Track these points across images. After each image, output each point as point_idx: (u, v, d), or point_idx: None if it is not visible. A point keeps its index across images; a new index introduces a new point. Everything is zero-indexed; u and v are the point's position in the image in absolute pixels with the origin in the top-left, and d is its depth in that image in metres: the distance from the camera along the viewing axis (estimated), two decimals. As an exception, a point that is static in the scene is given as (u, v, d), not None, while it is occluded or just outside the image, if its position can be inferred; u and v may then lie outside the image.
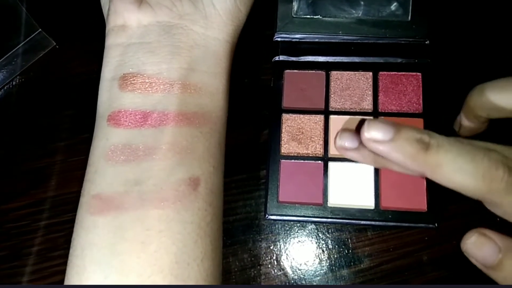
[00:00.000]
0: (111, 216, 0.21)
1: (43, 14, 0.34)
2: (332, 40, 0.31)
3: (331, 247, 0.29)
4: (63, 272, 0.29)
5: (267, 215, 0.29)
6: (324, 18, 0.31)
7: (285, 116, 0.31)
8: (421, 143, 0.19)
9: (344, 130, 0.21)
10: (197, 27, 0.24)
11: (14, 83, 0.34)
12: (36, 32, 0.33)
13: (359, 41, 0.31)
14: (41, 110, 0.33)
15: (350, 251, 0.29)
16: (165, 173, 0.21)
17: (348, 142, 0.21)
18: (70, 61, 0.34)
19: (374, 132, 0.19)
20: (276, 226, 0.30)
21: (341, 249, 0.29)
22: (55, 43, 0.34)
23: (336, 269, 0.29)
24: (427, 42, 0.30)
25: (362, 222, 0.28)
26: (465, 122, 0.27)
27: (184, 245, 0.21)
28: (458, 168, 0.18)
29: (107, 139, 0.22)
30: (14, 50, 0.33)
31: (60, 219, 0.31)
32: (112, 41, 0.24)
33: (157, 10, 0.24)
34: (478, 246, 0.19)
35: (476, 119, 0.25)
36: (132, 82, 0.23)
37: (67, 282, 0.21)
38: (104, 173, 0.22)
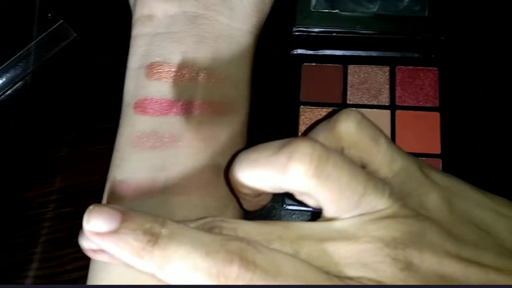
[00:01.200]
0: (137, 202, 0.21)
1: (64, 5, 0.34)
2: (350, 35, 0.31)
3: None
4: (81, 259, 0.30)
5: (285, 205, 0.29)
6: (342, 13, 0.31)
7: (302, 109, 0.31)
8: (149, 235, 0.16)
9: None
10: (222, 18, 0.25)
11: (34, 73, 0.34)
12: (58, 23, 0.33)
13: (376, 35, 0.31)
14: (61, 101, 0.33)
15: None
16: (190, 160, 0.22)
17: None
18: (90, 52, 0.34)
19: (95, 222, 0.16)
20: (293, 216, 0.30)
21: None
22: (76, 34, 0.34)
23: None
24: (444, 37, 0.31)
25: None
26: (240, 198, 0.22)
27: None
28: (191, 266, 0.15)
29: (133, 126, 0.23)
30: (34, 41, 0.33)
31: (78, 208, 0.31)
32: (139, 30, 0.25)
33: (183, 0, 0.24)
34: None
35: (246, 195, 0.21)
36: (158, 70, 0.23)
37: (92, 266, 0.22)
38: (130, 159, 0.22)
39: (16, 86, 0.34)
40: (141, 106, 0.23)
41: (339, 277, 0.16)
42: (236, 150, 0.24)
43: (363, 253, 0.16)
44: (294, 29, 0.32)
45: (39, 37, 0.33)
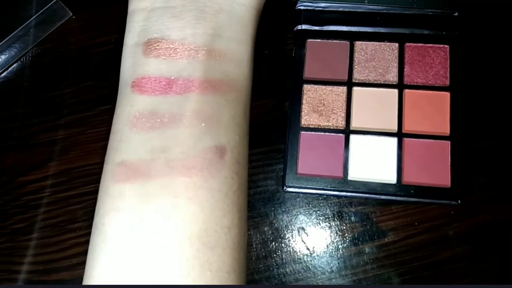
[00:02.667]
0: (137, 184, 0.20)
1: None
2: (358, 10, 0.30)
3: (354, 220, 0.29)
4: (82, 244, 0.30)
5: (285, 187, 0.28)
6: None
7: (306, 87, 0.30)
8: None
9: None
10: None
11: (30, 54, 0.33)
12: (52, 2, 0.32)
13: (385, 11, 0.30)
14: (57, 82, 0.33)
15: (373, 225, 0.28)
16: (191, 141, 0.21)
17: None
18: (86, 32, 0.33)
19: None
20: (298, 199, 0.29)
21: (365, 223, 0.28)
22: (71, 14, 0.33)
23: (360, 242, 0.28)
24: (456, 14, 0.29)
25: (383, 197, 0.28)
26: None
27: (212, 213, 0.20)
28: None
29: (131, 106, 0.22)
30: (30, 20, 0.32)
31: (78, 191, 0.31)
32: (136, 5, 0.24)
33: None
34: None
35: None
36: (157, 47, 0.22)
37: (92, 249, 0.21)
38: (129, 141, 0.21)
39: (12, 67, 0.33)
40: (139, 85, 0.22)
41: None
42: (239, 130, 0.23)
43: None
44: (299, 3, 0.30)
45: (34, 17, 0.32)
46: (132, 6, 0.24)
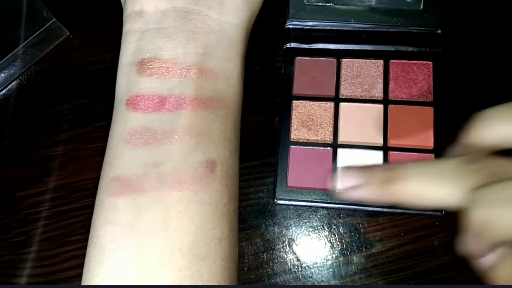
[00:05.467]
0: (130, 198, 0.21)
1: (56, 4, 0.34)
2: (344, 28, 0.31)
3: (342, 231, 0.30)
4: (80, 256, 0.30)
5: (275, 200, 0.29)
6: (336, 6, 0.31)
7: (295, 103, 0.31)
8: (388, 180, 0.19)
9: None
10: (212, 13, 0.24)
11: (28, 72, 0.34)
12: (51, 22, 0.33)
13: (370, 29, 0.31)
14: (55, 99, 0.34)
15: (361, 235, 0.29)
16: (183, 156, 0.22)
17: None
18: (83, 50, 0.34)
19: (347, 181, 0.20)
20: (288, 211, 0.30)
21: (353, 234, 0.29)
22: (68, 33, 0.34)
23: (348, 253, 0.29)
24: (439, 31, 0.31)
25: (370, 208, 0.29)
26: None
27: (203, 225, 0.21)
28: (425, 187, 0.18)
29: (125, 123, 0.23)
30: (28, 40, 0.33)
31: (75, 205, 0.31)
32: (130, 27, 0.25)
33: None
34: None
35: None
36: (150, 67, 0.23)
37: (88, 262, 0.22)
38: (123, 156, 0.22)
39: (10, 85, 0.34)
40: (133, 103, 0.23)
41: None
42: (229, 145, 0.24)
43: None
44: (287, 22, 0.31)
45: (32, 36, 0.33)
46: (126, 27, 0.25)
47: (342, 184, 0.20)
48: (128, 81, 0.24)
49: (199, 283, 0.21)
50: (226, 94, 0.24)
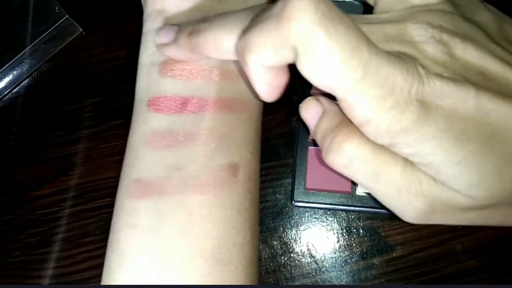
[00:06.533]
0: (152, 200, 0.21)
1: (69, 0, 0.34)
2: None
3: (362, 235, 0.29)
4: (95, 258, 0.30)
5: (293, 202, 0.28)
6: (355, 2, 0.30)
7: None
8: (192, 33, 0.20)
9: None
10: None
11: (41, 70, 0.34)
12: (63, 19, 0.33)
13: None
14: (68, 97, 0.33)
15: (381, 239, 0.29)
16: (205, 159, 0.21)
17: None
18: (96, 48, 0.34)
19: (160, 37, 0.22)
20: (306, 214, 0.30)
21: (373, 237, 0.29)
22: (81, 30, 0.34)
23: (368, 257, 0.29)
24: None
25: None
26: None
27: (225, 230, 0.21)
28: (219, 35, 0.19)
29: (146, 124, 0.22)
30: (41, 36, 0.33)
31: (89, 206, 0.31)
32: (151, 26, 0.24)
33: None
34: (306, 108, 0.20)
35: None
36: (173, 68, 0.23)
37: (108, 265, 0.22)
38: (144, 158, 0.22)
39: (23, 83, 0.34)
40: (155, 104, 0.23)
41: (376, 46, 0.15)
42: (251, 148, 0.23)
43: (407, 32, 0.17)
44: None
45: (45, 33, 0.33)
46: (147, 26, 0.24)
47: (157, 39, 0.23)
48: (149, 81, 0.23)
49: None
50: (248, 96, 0.24)
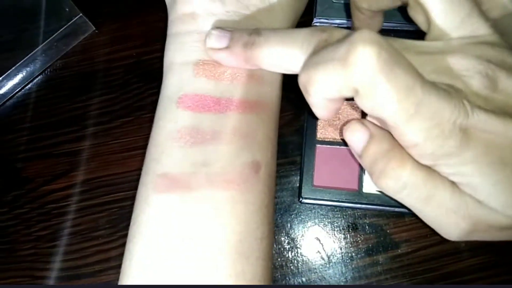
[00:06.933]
0: (178, 195, 0.21)
1: (83, -1, 0.34)
2: (371, 27, 0.31)
3: (368, 232, 0.29)
4: (104, 252, 0.31)
5: (301, 199, 0.29)
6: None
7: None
8: (248, 45, 0.21)
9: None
10: (263, 19, 0.25)
11: (54, 67, 0.35)
12: (77, 17, 0.33)
13: (399, 28, 0.31)
14: (80, 94, 0.34)
15: (387, 236, 0.29)
16: (230, 157, 0.22)
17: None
18: (108, 46, 0.34)
19: (211, 41, 0.23)
20: (313, 210, 0.30)
21: (378, 234, 0.29)
22: (94, 28, 0.34)
23: (373, 253, 0.29)
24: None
25: (397, 209, 0.28)
26: (354, 19, 0.26)
27: (247, 225, 0.22)
28: (277, 51, 0.21)
29: (176, 121, 0.23)
30: (55, 34, 0.34)
31: (100, 200, 0.32)
32: (181, 28, 0.25)
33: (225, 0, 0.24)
34: (352, 132, 0.20)
35: (361, 14, 0.25)
36: (207, 68, 0.23)
37: (129, 257, 0.22)
38: (171, 154, 0.22)
39: (36, 79, 0.34)
40: (185, 102, 0.23)
41: (423, 77, 0.17)
42: (271, 147, 0.24)
43: (456, 66, 0.18)
44: (314, 20, 0.31)
45: (58, 31, 0.33)
46: (177, 28, 0.25)
47: (207, 43, 0.23)
48: (181, 80, 0.24)
49: (243, 282, 0.21)
50: (270, 98, 0.25)
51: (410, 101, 0.16)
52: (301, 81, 0.19)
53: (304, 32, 0.20)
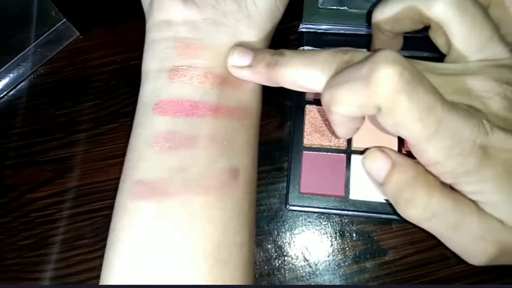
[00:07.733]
0: (155, 201, 0.21)
1: (67, 5, 0.34)
2: (358, 32, 0.31)
3: (355, 238, 0.29)
4: (88, 261, 0.30)
5: (288, 206, 0.29)
6: (350, 10, 0.31)
7: (308, 108, 0.31)
8: (271, 64, 0.22)
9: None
10: (241, 26, 0.25)
11: (38, 73, 0.34)
12: (61, 22, 0.33)
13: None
14: (65, 100, 0.33)
15: (374, 243, 0.29)
16: (208, 162, 0.22)
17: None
18: (93, 51, 0.34)
19: (234, 59, 0.23)
20: (300, 217, 0.30)
21: (366, 241, 0.29)
22: (78, 33, 0.34)
23: (361, 260, 0.29)
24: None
25: (384, 216, 0.28)
26: (375, 39, 0.26)
27: (225, 231, 0.21)
28: (300, 72, 0.21)
29: (152, 127, 0.23)
30: (39, 40, 0.33)
31: (85, 209, 0.31)
32: (157, 35, 0.24)
33: (202, 7, 0.24)
34: (372, 160, 0.20)
35: (382, 35, 0.25)
36: (183, 74, 0.23)
37: (108, 264, 0.22)
38: (148, 160, 0.22)
39: (20, 85, 0.34)
40: (162, 107, 0.23)
41: (444, 97, 0.17)
42: (251, 153, 0.24)
43: (476, 87, 0.19)
44: (301, 26, 0.31)
45: (42, 36, 0.33)
46: (153, 35, 0.25)
47: (230, 60, 0.23)
48: (157, 86, 0.24)
49: None
50: (251, 104, 0.25)
51: (431, 120, 0.17)
52: (325, 100, 0.19)
53: (325, 53, 0.21)
